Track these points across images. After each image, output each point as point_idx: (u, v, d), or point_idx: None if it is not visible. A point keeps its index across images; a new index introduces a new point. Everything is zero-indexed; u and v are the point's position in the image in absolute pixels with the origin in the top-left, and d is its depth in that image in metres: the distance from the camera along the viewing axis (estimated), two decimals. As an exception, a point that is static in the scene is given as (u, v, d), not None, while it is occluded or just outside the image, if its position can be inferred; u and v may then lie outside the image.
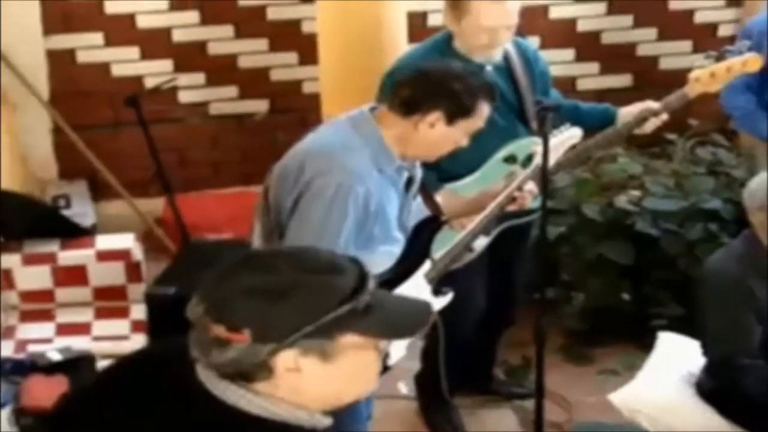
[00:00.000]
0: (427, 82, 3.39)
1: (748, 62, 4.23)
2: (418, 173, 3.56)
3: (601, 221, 5.05)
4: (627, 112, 4.25)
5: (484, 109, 3.43)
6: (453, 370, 4.24)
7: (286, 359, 1.81)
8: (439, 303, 3.59)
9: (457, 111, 3.36)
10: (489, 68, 4.10)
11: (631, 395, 4.03)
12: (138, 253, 4.90)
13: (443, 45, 4.19)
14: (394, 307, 1.95)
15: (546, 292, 4.78)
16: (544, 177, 3.72)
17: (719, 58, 4.22)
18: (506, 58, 4.22)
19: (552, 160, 3.90)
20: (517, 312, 4.55)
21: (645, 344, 4.41)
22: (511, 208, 3.92)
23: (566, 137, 3.95)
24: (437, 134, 3.37)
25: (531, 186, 3.91)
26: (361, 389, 1.94)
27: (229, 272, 1.86)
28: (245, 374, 1.83)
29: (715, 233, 4.97)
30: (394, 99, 3.40)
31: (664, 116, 4.20)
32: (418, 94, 3.36)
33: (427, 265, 3.62)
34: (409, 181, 3.51)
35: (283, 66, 5.97)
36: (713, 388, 3.85)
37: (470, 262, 4.16)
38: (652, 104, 4.19)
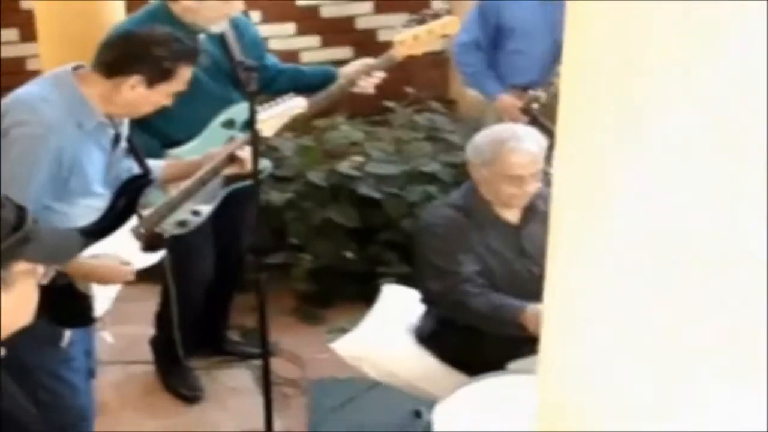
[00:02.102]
0: (129, 45, 3.51)
1: (447, 25, 4.47)
2: (124, 131, 3.62)
3: (325, 186, 5.20)
4: (346, 72, 4.43)
5: (185, 74, 3.55)
6: (187, 333, 4.31)
7: None
8: (149, 259, 3.70)
9: (157, 75, 3.48)
10: (202, 36, 4.19)
11: (354, 343, 4.13)
12: None
13: (160, 12, 4.25)
14: (51, 237, 2.17)
15: (275, 256, 4.96)
16: (254, 139, 3.82)
17: (421, 22, 4.43)
18: None
19: (275, 128, 4.03)
20: (244, 276, 4.62)
21: (374, 302, 4.57)
22: (231, 171, 4.01)
23: (289, 106, 4.07)
24: (138, 96, 3.47)
25: (246, 150, 4.01)
26: (27, 316, 2.10)
27: None
28: None
29: (434, 195, 5.19)
30: (98, 59, 3.50)
31: (380, 75, 4.40)
32: (120, 57, 3.47)
33: (133, 221, 3.67)
34: (116, 139, 3.57)
35: (5, 43, 5.84)
36: (432, 331, 4.03)
37: (198, 227, 4.24)
38: (368, 61, 4.39)
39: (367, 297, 4.90)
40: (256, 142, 3.82)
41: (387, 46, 6.05)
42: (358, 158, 5.33)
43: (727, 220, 1.44)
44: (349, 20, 6.22)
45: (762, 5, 1.35)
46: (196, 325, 4.51)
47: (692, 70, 1.42)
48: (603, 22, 1.53)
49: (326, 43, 6.20)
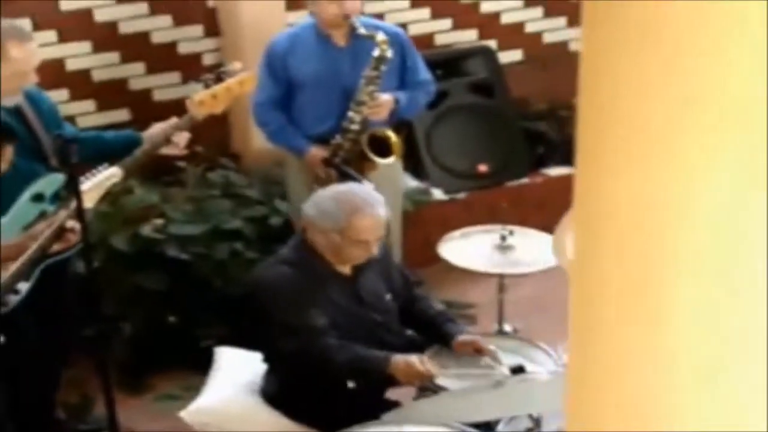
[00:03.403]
0: None
1: (244, 81, 4.51)
2: None
3: (130, 252, 5.10)
4: (150, 135, 4.39)
5: (8, 153, 3.46)
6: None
7: None
8: None
9: None
10: (3, 112, 4.09)
11: (199, 410, 4.10)
12: None
13: None
14: None
15: (92, 327, 4.80)
16: (80, 212, 3.78)
17: (218, 80, 4.45)
18: None
19: (94, 199, 3.98)
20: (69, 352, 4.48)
21: (198, 365, 4.51)
22: (57, 247, 3.95)
23: (105, 176, 4.03)
24: None
25: (73, 223, 3.95)
26: None
27: None
28: None
29: (241, 251, 5.21)
30: None
31: (185, 136, 4.40)
32: None
33: None
34: None
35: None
36: (279, 390, 4.03)
37: (16, 306, 4.09)
38: (174, 121, 4.37)
39: (189, 360, 4.86)
40: (83, 214, 3.76)
41: (162, 105, 6.07)
42: (159, 221, 5.26)
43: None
44: (123, 82, 6.13)
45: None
46: (21, 412, 4.31)
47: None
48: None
49: (101, 107, 6.07)
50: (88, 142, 4.39)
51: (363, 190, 4.07)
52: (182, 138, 4.42)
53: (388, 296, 4.11)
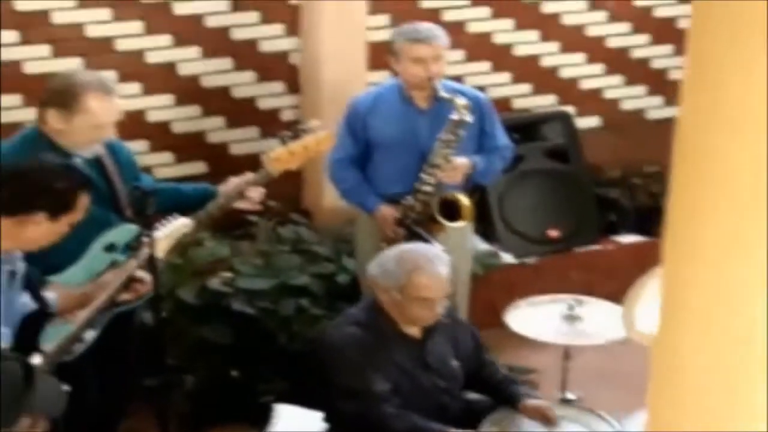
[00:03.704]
0: (27, 184, 3.46)
1: (321, 140, 4.56)
2: (20, 266, 3.53)
3: (197, 304, 5.16)
4: (226, 188, 4.44)
5: (84, 201, 3.55)
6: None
7: None
8: None
9: (60, 208, 3.46)
10: (79, 160, 4.18)
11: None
12: None
13: (35, 137, 4.22)
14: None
15: (155, 378, 4.86)
16: (152, 263, 3.83)
17: (295, 137, 4.51)
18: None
19: (165, 249, 4.04)
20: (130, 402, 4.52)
21: (257, 420, 4.51)
22: (126, 297, 4.00)
23: (176, 227, 4.08)
24: (43, 230, 3.45)
25: (142, 274, 4.02)
26: None
27: None
28: None
29: (307, 308, 5.23)
30: None
31: (260, 191, 4.47)
32: (20, 196, 3.43)
33: (37, 358, 3.58)
34: (12, 274, 3.48)
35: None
36: None
37: (81, 354, 4.15)
38: (249, 176, 4.42)
39: (249, 415, 4.87)
40: (155, 265, 3.82)
41: (239, 159, 6.16)
42: (228, 274, 5.32)
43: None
44: (201, 135, 6.23)
45: None
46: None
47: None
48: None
49: (179, 159, 6.17)
50: (166, 194, 4.48)
51: (425, 248, 4.07)
52: (256, 193, 4.48)
53: (455, 362, 4.10)
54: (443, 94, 4.92)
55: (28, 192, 3.42)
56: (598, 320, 4.65)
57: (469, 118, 4.92)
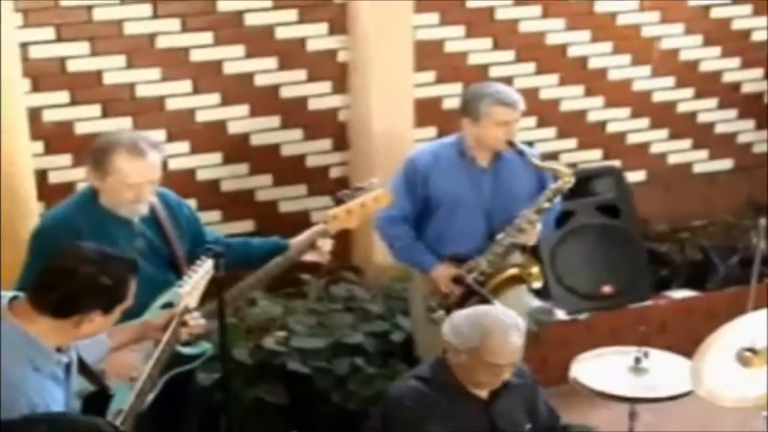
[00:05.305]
0: (75, 285, 3.32)
1: (379, 198, 4.54)
2: (73, 355, 3.50)
3: (252, 364, 5.12)
4: (297, 240, 4.46)
5: (132, 287, 3.46)
6: None
7: None
8: None
9: (113, 303, 3.38)
10: (136, 220, 4.16)
11: None
12: None
13: (89, 201, 4.23)
14: None
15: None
16: (222, 325, 3.83)
17: (352, 196, 4.49)
18: (152, 209, 4.32)
19: (197, 298, 4.00)
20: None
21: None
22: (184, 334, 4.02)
23: (201, 274, 4.03)
24: (98, 325, 3.38)
25: (196, 314, 4.00)
26: None
27: None
28: None
29: (362, 367, 5.19)
30: (42, 302, 3.31)
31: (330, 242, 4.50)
32: (71, 298, 3.31)
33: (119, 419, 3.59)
34: (68, 366, 3.45)
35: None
36: None
37: (141, 414, 4.11)
38: (319, 228, 4.45)
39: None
40: (224, 326, 3.79)
41: (288, 217, 6.15)
42: (282, 333, 5.29)
43: None
44: (249, 193, 6.22)
45: None
46: None
47: None
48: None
49: (227, 218, 6.17)
50: (236, 250, 4.47)
51: (502, 313, 3.99)
52: (327, 244, 4.48)
53: (528, 426, 4.04)
54: (537, 162, 4.92)
55: (78, 294, 3.30)
56: (665, 373, 4.54)
57: (568, 186, 4.91)
